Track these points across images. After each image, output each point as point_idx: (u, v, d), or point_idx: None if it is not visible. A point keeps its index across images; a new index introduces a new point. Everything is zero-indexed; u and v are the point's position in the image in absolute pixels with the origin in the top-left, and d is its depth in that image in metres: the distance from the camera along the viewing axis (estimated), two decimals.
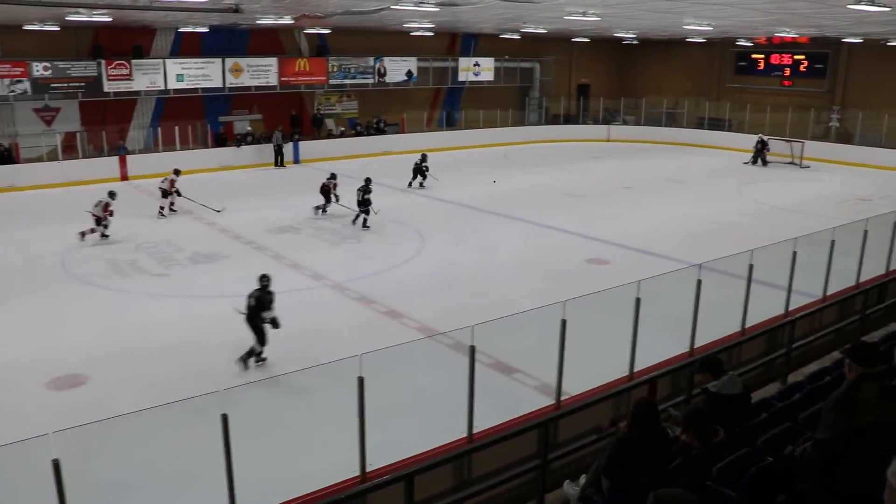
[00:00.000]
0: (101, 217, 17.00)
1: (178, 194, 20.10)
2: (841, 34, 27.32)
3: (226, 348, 11.02)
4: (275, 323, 10.33)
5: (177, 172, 20.54)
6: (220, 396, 5.39)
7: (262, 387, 5.98)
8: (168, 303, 13.15)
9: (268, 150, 28.41)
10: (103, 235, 17.13)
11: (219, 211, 20.04)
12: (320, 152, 29.47)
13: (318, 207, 19.92)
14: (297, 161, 28.92)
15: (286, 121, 29.59)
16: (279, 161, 28.55)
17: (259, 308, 10.26)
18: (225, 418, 5.44)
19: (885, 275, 12.06)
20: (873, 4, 13.95)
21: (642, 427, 5.66)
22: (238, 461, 5.63)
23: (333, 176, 20.07)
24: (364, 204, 18.44)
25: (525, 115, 37.73)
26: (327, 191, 19.82)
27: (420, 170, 24.21)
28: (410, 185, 24.09)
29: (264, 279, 10.48)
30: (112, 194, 17.62)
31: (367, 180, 18.68)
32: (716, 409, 5.98)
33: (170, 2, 14.99)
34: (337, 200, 19.60)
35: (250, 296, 10.33)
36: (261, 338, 10.33)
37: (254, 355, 10.34)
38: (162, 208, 20.11)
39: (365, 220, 18.48)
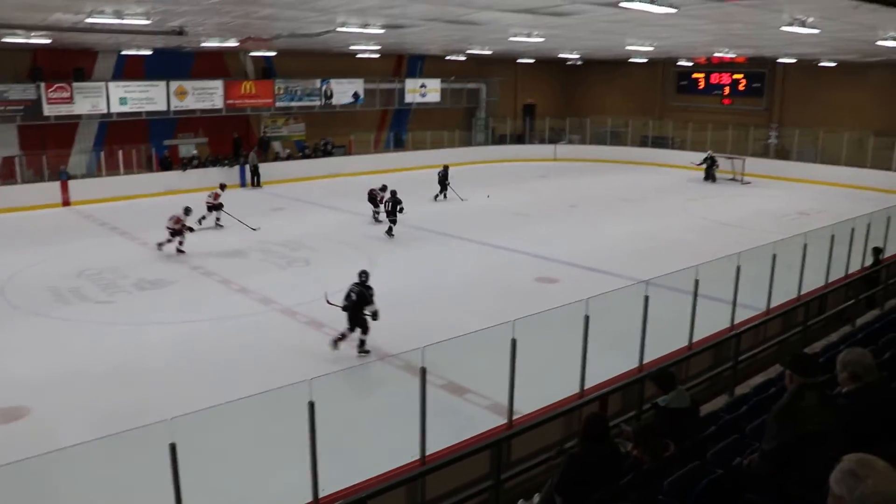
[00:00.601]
0: (176, 230, 17.63)
1: (221, 208, 20.48)
2: (776, 54, 28.18)
3: (173, 375, 10.84)
4: (375, 315, 11.24)
5: (222, 187, 21.21)
6: (168, 425, 5.27)
7: (211, 414, 5.87)
8: (113, 330, 12.86)
9: (214, 173, 28.02)
10: (179, 251, 17.75)
11: (255, 230, 20.01)
12: (268, 175, 29.15)
13: (376, 212, 21.58)
14: (244, 185, 28.62)
15: (229, 144, 29.26)
16: (256, 181, 28.61)
17: (360, 302, 11.22)
18: (173, 448, 5.33)
19: (824, 287, 12.40)
20: (804, 27, 14.43)
21: (593, 441, 5.71)
22: (188, 491, 5.51)
23: (384, 188, 21.37)
24: (392, 214, 19.87)
25: (472, 136, 38.00)
26: (375, 198, 21.50)
27: (443, 182, 25.68)
28: (437, 197, 25.55)
29: (363, 275, 11.53)
30: (187, 210, 18.08)
31: (394, 192, 20.16)
32: (666, 424, 6.05)
33: (111, 24, 14.73)
34: (378, 207, 21.38)
35: (351, 290, 11.32)
36: (364, 328, 11.29)
37: (361, 346, 11.38)
38: (210, 219, 20.79)
39: (391, 229, 19.76)
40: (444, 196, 25.63)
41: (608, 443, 5.81)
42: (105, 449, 6.41)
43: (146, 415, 7.62)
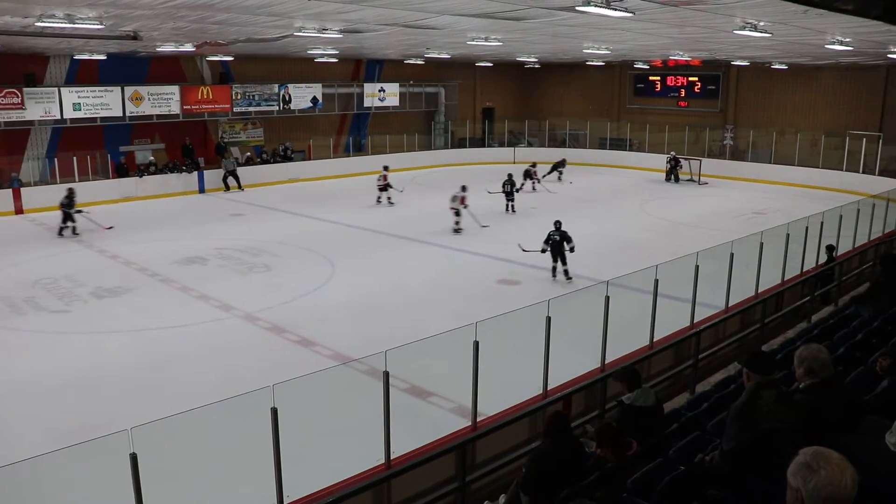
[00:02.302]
0: (459, 209, 20.08)
1: (390, 188, 23.00)
2: (730, 57, 28.66)
3: (132, 384, 10.67)
4: (573, 249, 15.40)
5: (386, 168, 23.96)
6: (128, 435, 5.19)
7: (172, 423, 5.80)
8: (70, 340, 12.62)
9: (172, 179, 27.71)
10: (456, 230, 20.20)
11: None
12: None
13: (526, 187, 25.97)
14: (202, 191, 28.27)
15: (179, 150, 28.81)
16: (239, 184, 28.58)
17: (562, 241, 15.37)
18: (134, 458, 5.25)
19: (780, 284, 12.64)
20: (756, 31, 14.71)
21: (556, 436, 5.76)
22: (150, 502, 5.43)
23: (534, 165, 26.97)
24: (509, 196, 23.42)
25: (431, 140, 37.96)
26: (530, 174, 26.46)
27: (556, 168, 30.40)
28: (539, 181, 28.61)
29: (559, 223, 15.61)
30: (464, 188, 20.60)
31: (510, 175, 24.08)
32: (630, 422, 6.11)
33: (63, 28, 14.45)
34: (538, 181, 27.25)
35: (552, 234, 15.50)
36: (565, 261, 15.47)
37: (566, 274, 15.54)
38: (386, 199, 23.96)
39: (512, 207, 23.46)
40: (534, 188, 28.28)
41: (571, 436, 5.87)
42: (64, 461, 6.29)
43: (106, 425, 7.49)
